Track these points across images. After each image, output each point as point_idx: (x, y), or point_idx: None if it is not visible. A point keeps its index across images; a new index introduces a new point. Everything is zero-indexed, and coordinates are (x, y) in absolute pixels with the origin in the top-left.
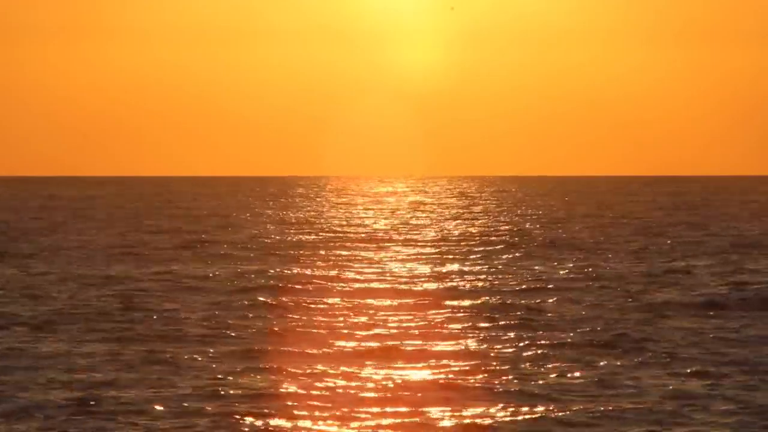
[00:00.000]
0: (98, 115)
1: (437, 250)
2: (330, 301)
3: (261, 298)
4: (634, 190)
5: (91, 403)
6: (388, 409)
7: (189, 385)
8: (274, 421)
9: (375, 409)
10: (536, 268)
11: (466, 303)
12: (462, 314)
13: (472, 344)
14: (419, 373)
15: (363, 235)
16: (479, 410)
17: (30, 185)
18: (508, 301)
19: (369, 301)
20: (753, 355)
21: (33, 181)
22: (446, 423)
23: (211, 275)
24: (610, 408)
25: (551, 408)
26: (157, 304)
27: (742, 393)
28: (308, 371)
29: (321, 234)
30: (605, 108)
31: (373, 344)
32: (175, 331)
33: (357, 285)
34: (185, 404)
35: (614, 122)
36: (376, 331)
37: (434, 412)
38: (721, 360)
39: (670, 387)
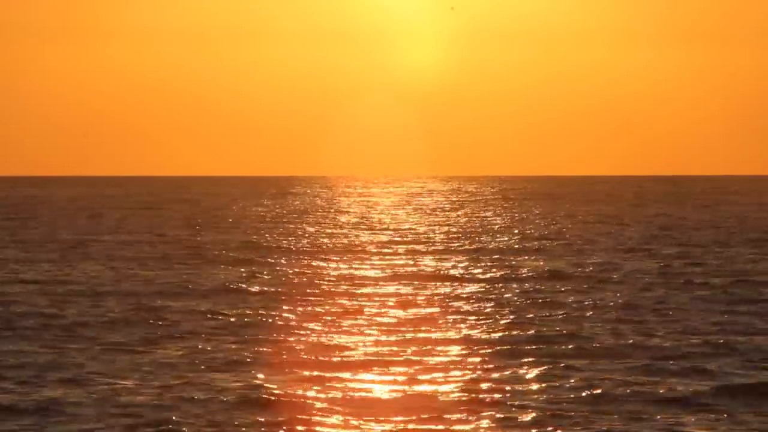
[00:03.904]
0: (98, 115)
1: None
2: (331, 307)
3: (258, 301)
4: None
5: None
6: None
7: (194, 390)
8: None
9: (372, 419)
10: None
11: (466, 306)
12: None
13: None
14: (423, 384)
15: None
16: (472, 425)
17: (30, 185)
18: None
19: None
20: None
21: (33, 181)
22: None
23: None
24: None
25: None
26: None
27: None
28: (311, 377)
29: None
30: (606, 108)
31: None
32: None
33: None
34: (187, 411)
35: (615, 122)
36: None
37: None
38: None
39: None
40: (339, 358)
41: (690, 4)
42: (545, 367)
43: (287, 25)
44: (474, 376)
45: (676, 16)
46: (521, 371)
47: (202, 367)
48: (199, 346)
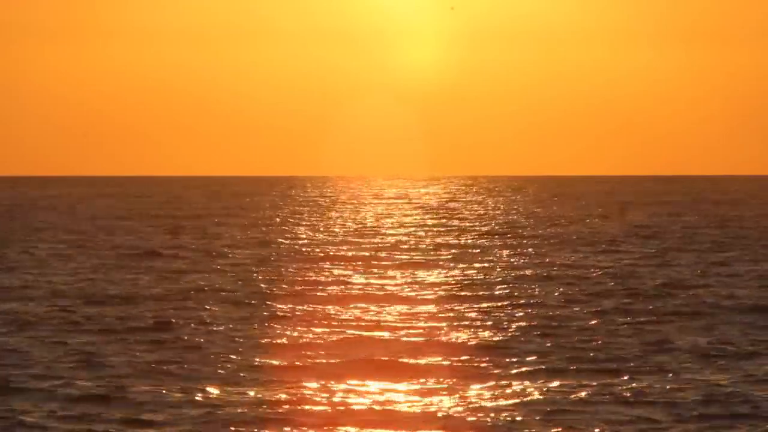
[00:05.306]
0: (98, 115)
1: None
2: (324, 309)
3: (256, 305)
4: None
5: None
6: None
7: (181, 397)
8: None
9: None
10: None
11: (467, 309)
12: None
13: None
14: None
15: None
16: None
17: (30, 185)
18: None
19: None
20: None
21: (33, 181)
22: None
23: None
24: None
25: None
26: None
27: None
28: (304, 384)
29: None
30: (606, 108)
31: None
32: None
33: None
34: (179, 414)
35: (615, 122)
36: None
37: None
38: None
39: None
40: (345, 361)
41: (690, 4)
42: (549, 374)
43: (287, 25)
44: (477, 383)
45: (676, 16)
46: (531, 380)
47: (200, 372)
48: (199, 348)
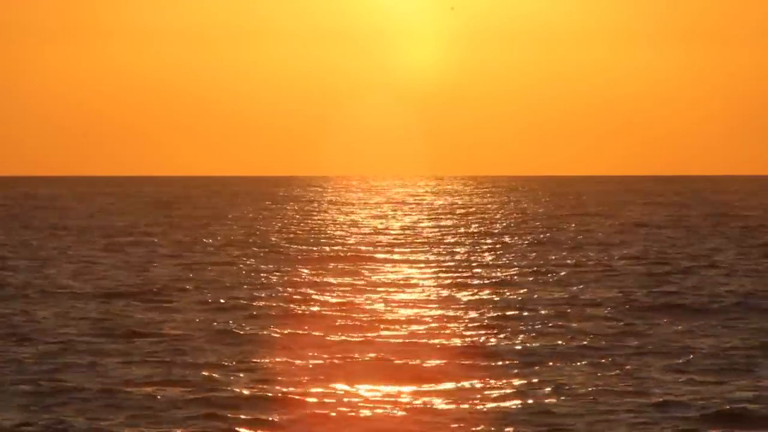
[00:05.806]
0: (98, 115)
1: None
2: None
3: (257, 305)
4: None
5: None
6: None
7: (185, 393)
8: None
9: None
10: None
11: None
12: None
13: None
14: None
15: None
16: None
17: (30, 185)
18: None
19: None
20: None
21: (33, 181)
22: None
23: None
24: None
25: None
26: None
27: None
28: (296, 384)
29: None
30: (606, 108)
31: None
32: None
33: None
34: (179, 414)
35: (615, 122)
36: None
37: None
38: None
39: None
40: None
41: (690, 4)
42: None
43: (287, 25)
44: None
45: (676, 16)
46: (526, 381)
47: (202, 368)
48: (203, 347)
